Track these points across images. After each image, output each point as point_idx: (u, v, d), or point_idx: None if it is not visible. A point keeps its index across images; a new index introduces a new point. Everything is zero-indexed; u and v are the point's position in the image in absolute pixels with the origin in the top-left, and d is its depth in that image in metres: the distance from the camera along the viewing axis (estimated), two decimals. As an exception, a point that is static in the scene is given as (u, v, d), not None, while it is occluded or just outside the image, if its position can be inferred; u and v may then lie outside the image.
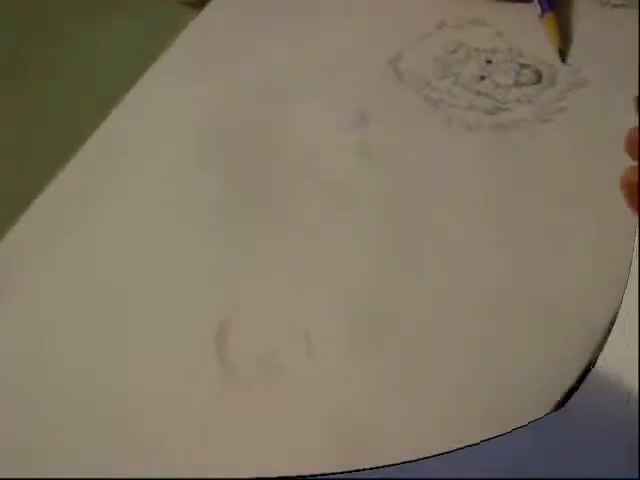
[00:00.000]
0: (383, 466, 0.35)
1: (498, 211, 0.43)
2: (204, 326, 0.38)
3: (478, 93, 0.49)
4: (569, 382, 0.36)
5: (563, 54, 0.51)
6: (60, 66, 0.57)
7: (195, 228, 0.44)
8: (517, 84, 0.49)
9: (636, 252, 0.39)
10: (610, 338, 0.37)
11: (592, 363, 0.36)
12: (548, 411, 0.35)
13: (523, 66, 0.50)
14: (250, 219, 0.44)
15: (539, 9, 0.53)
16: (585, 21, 0.54)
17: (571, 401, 0.35)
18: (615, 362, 0.36)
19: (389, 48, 0.52)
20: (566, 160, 0.44)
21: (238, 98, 0.51)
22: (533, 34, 0.51)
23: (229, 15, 0.57)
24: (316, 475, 0.38)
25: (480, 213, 0.42)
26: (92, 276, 0.41)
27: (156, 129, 0.49)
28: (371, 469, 0.36)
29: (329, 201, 0.44)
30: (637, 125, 0.42)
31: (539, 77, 0.49)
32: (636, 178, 0.42)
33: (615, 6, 0.56)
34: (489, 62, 0.51)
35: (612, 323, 0.37)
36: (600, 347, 0.37)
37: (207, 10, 0.57)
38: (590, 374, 0.36)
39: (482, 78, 0.50)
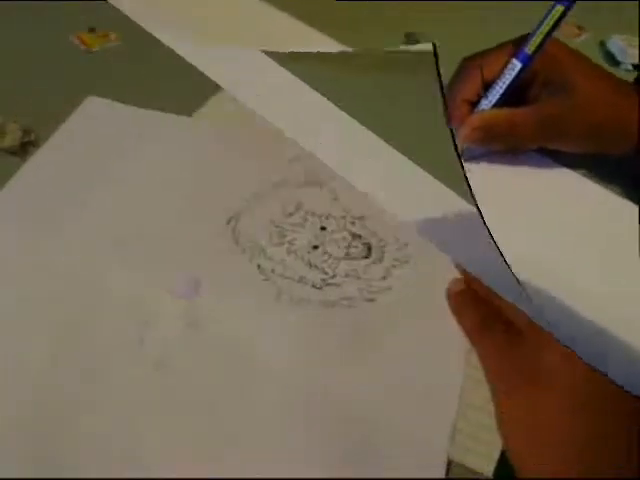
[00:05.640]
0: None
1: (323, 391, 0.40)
2: None
3: (310, 264, 0.46)
4: None
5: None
6: None
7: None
8: (347, 257, 0.47)
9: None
10: None
11: None
12: None
13: (355, 236, 0.48)
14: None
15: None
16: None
17: None
18: None
19: (230, 205, 0.49)
20: (389, 340, 0.43)
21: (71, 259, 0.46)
22: (367, 201, 0.46)
23: (58, 164, 0.52)
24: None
25: (303, 392, 0.40)
26: None
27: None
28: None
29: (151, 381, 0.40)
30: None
31: (369, 250, 0.47)
32: (458, 288, 0.42)
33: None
34: (323, 229, 0.48)
35: None
36: None
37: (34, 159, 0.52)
38: None
39: (315, 247, 0.47)
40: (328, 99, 0.35)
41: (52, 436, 0.38)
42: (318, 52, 0.31)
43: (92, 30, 0.64)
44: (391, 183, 0.38)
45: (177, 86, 0.58)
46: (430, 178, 0.36)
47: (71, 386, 0.40)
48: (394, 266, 0.46)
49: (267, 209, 0.49)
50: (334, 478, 0.37)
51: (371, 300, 0.44)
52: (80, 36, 0.63)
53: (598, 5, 0.70)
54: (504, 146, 0.54)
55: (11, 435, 0.38)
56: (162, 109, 0.56)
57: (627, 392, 0.36)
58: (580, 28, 0.73)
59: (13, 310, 0.43)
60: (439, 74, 0.27)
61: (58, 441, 0.38)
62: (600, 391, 0.35)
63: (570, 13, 0.51)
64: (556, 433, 0.35)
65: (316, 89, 0.35)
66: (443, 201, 0.36)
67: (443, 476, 0.36)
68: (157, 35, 0.38)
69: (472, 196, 0.31)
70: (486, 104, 0.53)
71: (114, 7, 0.67)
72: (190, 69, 0.61)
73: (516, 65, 0.52)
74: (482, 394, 0.39)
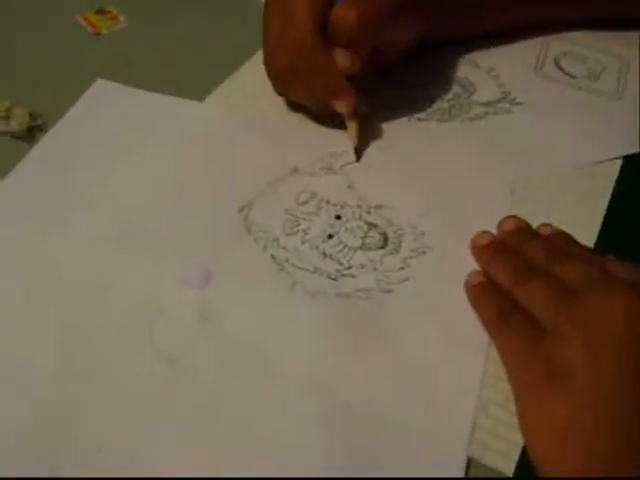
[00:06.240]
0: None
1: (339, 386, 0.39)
2: None
3: (324, 254, 0.45)
4: None
5: (358, 154, 0.50)
6: None
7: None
8: (363, 247, 0.45)
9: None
10: None
11: None
12: None
13: (370, 226, 0.46)
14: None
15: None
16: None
17: None
18: None
19: (242, 193, 0.48)
20: (407, 333, 0.41)
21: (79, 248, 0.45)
22: (383, 189, 0.48)
23: (66, 150, 0.51)
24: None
25: (318, 387, 0.39)
26: None
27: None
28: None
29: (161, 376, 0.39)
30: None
31: (385, 240, 0.45)
32: (477, 280, 0.42)
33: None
34: (338, 218, 0.47)
35: None
36: None
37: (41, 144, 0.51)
38: None
39: (330, 237, 0.46)
40: None
41: (59, 431, 0.37)
42: None
43: (100, 12, 0.62)
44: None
45: (188, 70, 0.57)
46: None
47: (79, 379, 0.39)
48: (411, 257, 0.45)
49: (280, 197, 0.47)
50: (341, 477, 0.36)
51: (388, 291, 0.43)
52: (88, 18, 0.62)
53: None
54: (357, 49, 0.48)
55: (16, 431, 0.37)
56: (173, 93, 0.54)
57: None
58: None
59: (17, 299, 0.42)
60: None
61: (65, 436, 0.37)
62: (623, 389, 0.34)
63: None
64: (577, 431, 0.34)
65: None
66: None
67: (463, 475, 0.35)
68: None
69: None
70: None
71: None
72: (201, 52, 0.60)
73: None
74: (503, 390, 0.37)
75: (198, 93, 0.54)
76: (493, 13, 0.56)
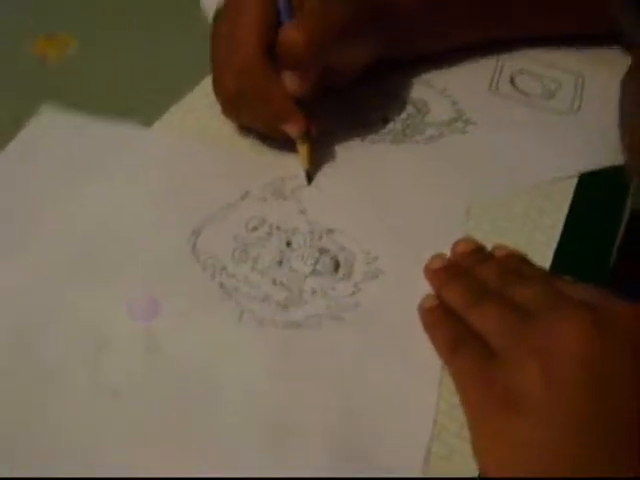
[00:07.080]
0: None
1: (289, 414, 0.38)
2: None
3: (274, 282, 0.44)
4: None
5: (310, 177, 0.49)
6: None
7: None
8: (314, 273, 0.44)
9: None
10: None
11: None
12: None
13: (322, 251, 0.45)
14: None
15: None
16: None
17: None
18: None
19: (191, 220, 0.47)
20: (359, 360, 0.40)
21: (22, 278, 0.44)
22: (336, 213, 0.47)
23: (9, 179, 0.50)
24: None
25: (268, 415, 0.38)
26: None
27: None
28: None
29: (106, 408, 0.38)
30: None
31: (336, 266, 0.45)
32: (430, 304, 0.42)
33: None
34: (289, 244, 0.46)
35: None
36: None
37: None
38: None
39: (280, 263, 0.45)
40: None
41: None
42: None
43: (49, 36, 0.61)
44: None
45: (138, 95, 0.55)
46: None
47: (19, 408, 0.38)
48: (363, 281, 0.44)
49: (230, 224, 0.46)
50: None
51: (339, 318, 0.42)
52: (36, 43, 0.60)
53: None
54: (302, 71, 0.47)
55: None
56: (122, 119, 0.53)
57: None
58: None
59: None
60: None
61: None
62: (579, 411, 0.33)
63: None
64: (534, 455, 0.33)
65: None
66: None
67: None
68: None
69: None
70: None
71: (70, 9, 0.64)
72: (151, 76, 0.59)
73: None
74: (456, 418, 0.36)
75: (147, 118, 0.53)
76: (446, 31, 0.55)
